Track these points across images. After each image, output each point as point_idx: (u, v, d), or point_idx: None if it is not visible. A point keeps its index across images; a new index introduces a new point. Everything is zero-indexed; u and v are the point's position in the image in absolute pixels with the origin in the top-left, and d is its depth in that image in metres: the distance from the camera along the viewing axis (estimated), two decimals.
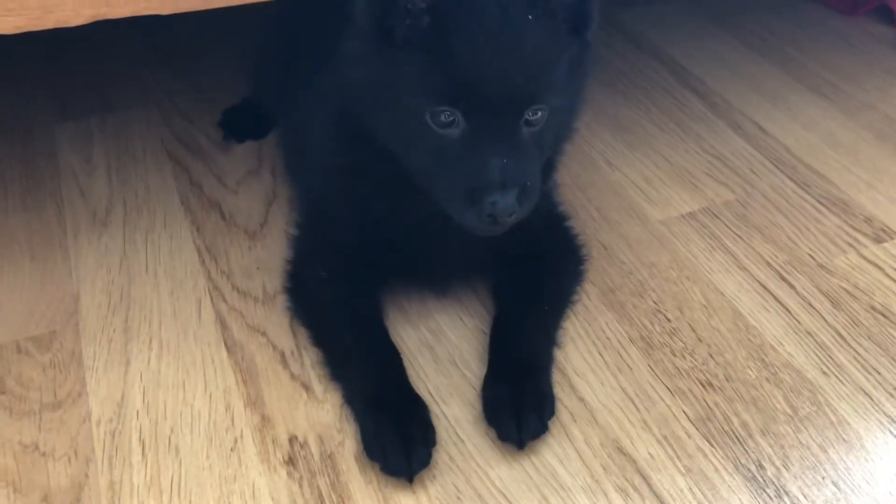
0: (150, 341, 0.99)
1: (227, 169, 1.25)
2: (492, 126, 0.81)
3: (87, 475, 0.85)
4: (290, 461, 0.86)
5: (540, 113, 0.83)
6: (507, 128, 0.82)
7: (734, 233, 1.14)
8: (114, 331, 1.00)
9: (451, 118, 0.81)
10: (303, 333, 0.99)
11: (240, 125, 1.31)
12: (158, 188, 1.21)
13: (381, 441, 0.85)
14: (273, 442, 0.88)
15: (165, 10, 0.92)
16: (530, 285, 1.00)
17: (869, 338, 0.99)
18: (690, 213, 1.18)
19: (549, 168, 0.95)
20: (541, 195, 0.97)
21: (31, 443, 0.88)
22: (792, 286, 1.06)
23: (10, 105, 1.37)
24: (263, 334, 1.00)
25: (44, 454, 0.87)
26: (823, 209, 1.18)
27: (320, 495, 0.83)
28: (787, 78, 1.47)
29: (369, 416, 0.88)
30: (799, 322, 1.01)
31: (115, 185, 1.22)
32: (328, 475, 0.85)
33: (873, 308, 1.03)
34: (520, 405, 0.87)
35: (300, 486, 0.84)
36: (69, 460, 0.86)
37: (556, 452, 0.87)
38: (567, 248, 1.06)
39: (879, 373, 0.95)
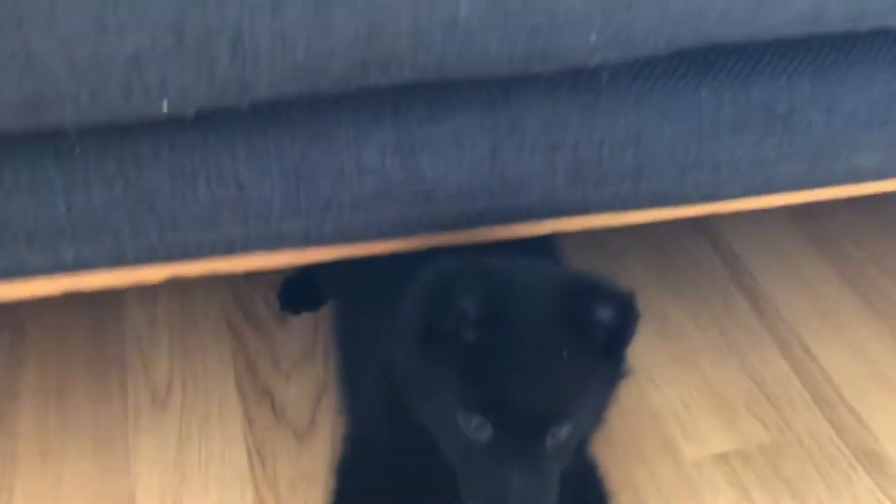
0: None
1: (282, 347, 1.31)
2: (517, 439, 0.87)
3: None
4: None
5: (565, 429, 0.88)
6: (531, 442, 0.88)
7: (764, 485, 1.17)
8: None
9: (481, 425, 0.87)
10: None
11: (297, 296, 1.36)
12: (216, 365, 1.28)
13: None
14: None
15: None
16: None
17: None
18: (723, 454, 1.20)
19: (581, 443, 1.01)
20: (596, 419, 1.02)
21: None
22: None
23: None
24: None
25: None
26: (857, 465, 1.20)
27: None
28: (840, 284, 1.47)
29: None
30: None
31: (175, 359, 1.28)
32: None
33: None
34: None
35: None
36: None
37: None
38: (594, 498, 1.10)
39: None
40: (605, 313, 0.88)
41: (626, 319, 0.88)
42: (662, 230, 1.50)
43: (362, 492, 1.06)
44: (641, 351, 1.32)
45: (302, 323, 1.35)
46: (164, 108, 0.80)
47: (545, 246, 1.13)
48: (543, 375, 0.86)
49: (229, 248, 0.96)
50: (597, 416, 0.96)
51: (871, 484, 1.18)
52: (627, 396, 1.25)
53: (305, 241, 0.98)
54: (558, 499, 1.03)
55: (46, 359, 1.27)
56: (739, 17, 0.90)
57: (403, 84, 0.88)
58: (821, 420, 1.26)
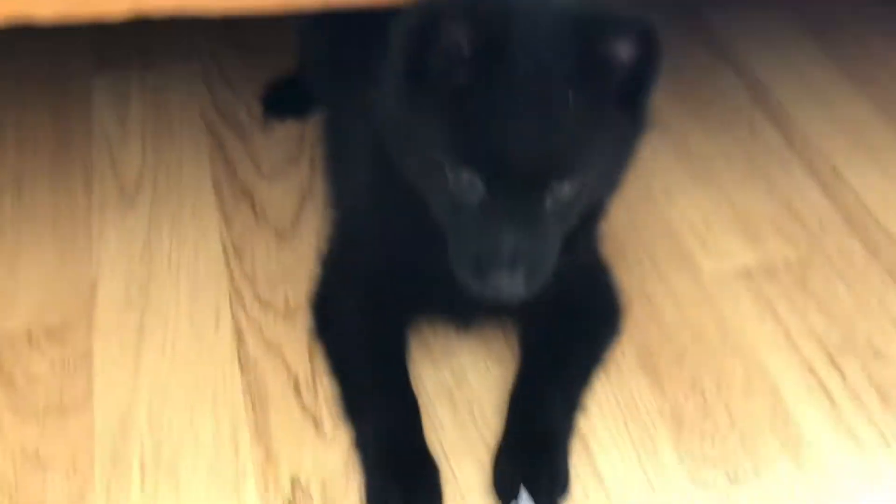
0: (163, 348, 0.96)
1: (264, 152, 1.19)
2: (513, 199, 0.76)
3: (83, 496, 0.83)
4: None
5: (568, 188, 0.77)
6: (528, 203, 0.76)
7: (789, 299, 1.06)
8: (128, 330, 0.97)
9: (472, 182, 0.76)
10: (320, 359, 0.95)
11: (281, 102, 1.24)
12: (192, 165, 1.16)
13: (385, 500, 0.82)
14: (275, 483, 0.85)
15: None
16: (559, 341, 0.95)
17: None
18: (746, 268, 1.10)
19: (591, 219, 0.90)
20: (583, 244, 0.91)
21: (32, 449, 0.86)
22: (842, 373, 0.99)
23: (48, 52, 1.31)
24: (279, 354, 0.96)
25: (43, 464, 0.85)
26: (890, 283, 1.09)
27: None
28: (874, 110, 1.35)
29: (377, 470, 0.85)
30: (840, 416, 0.95)
31: (147, 157, 1.17)
32: None
33: None
34: (530, 482, 0.83)
35: None
36: (67, 475, 0.84)
37: None
38: (604, 303, 1.00)
39: None
40: (621, 50, 0.74)
41: (646, 57, 0.75)
42: (682, 58, 1.38)
43: (346, 281, 0.96)
44: (658, 167, 1.23)
45: (287, 131, 1.23)
46: None
47: None
48: (544, 123, 0.74)
49: None
50: (610, 179, 0.84)
51: None
52: (641, 211, 1.16)
53: None
54: (567, 297, 0.94)
55: (3, 151, 1.16)
56: None
57: None
58: (852, 240, 1.15)
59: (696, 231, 1.14)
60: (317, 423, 0.90)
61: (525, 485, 0.82)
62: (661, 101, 0.85)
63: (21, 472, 0.84)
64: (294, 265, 1.05)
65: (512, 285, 0.77)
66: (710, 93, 1.37)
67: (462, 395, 0.95)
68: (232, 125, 1.23)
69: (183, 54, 1.33)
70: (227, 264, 1.05)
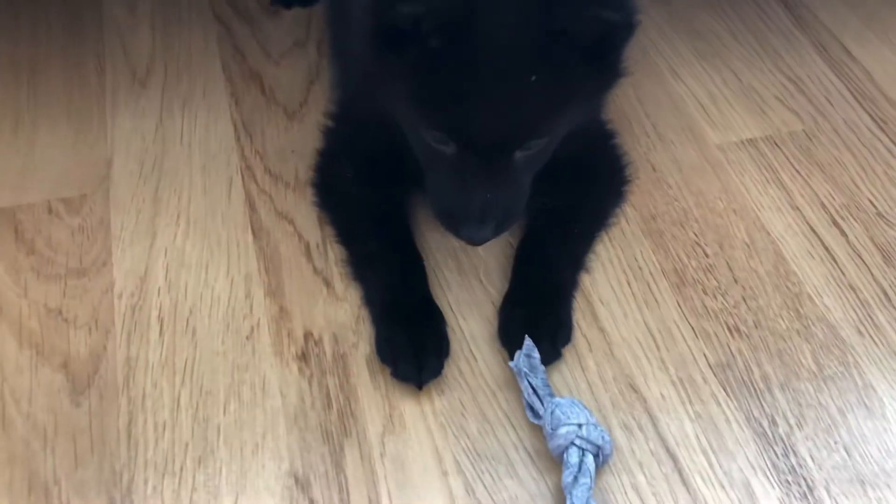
0: (178, 217, 0.98)
1: (272, 38, 1.20)
2: (482, 159, 0.79)
3: (105, 347, 0.87)
4: (303, 357, 0.87)
5: (537, 145, 0.80)
6: (497, 162, 0.79)
7: (794, 167, 1.07)
8: (143, 201, 1.00)
9: (444, 139, 0.79)
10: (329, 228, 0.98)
11: None
12: (201, 52, 1.18)
13: (393, 347, 0.85)
14: (288, 335, 0.89)
15: None
16: (564, 205, 0.96)
17: None
18: (751, 139, 1.10)
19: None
20: (588, 117, 0.92)
21: (55, 307, 0.90)
22: (844, 233, 1.00)
23: None
24: (291, 222, 0.99)
25: (66, 320, 0.89)
26: None
27: (328, 395, 0.84)
28: None
29: (385, 320, 0.87)
30: (843, 274, 0.96)
31: (157, 44, 1.18)
32: (338, 376, 0.86)
33: None
34: (534, 330, 0.85)
35: (309, 383, 0.85)
36: (90, 330, 0.88)
37: (566, 381, 0.86)
38: (610, 168, 1.01)
39: None
40: (596, 11, 0.74)
41: (618, 20, 0.75)
42: None
43: (345, 154, 0.97)
44: (664, 46, 1.23)
45: (294, 17, 1.24)
46: None
47: None
48: (511, 93, 0.75)
49: None
50: (589, 113, 0.88)
51: None
52: (647, 87, 1.17)
53: None
54: (574, 165, 0.96)
55: (16, 38, 1.18)
56: None
57: None
58: (860, 112, 1.15)
59: (702, 106, 1.15)
60: (328, 284, 0.93)
61: (529, 334, 0.85)
62: None
63: (46, 327, 0.88)
64: (303, 142, 1.07)
65: (481, 237, 0.82)
66: None
67: (468, 259, 0.97)
68: (240, 12, 1.24)
69: None
70: (238, 140, 1.07)
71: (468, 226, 0.81)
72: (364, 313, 0.90)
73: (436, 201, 0.85)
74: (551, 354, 0.86)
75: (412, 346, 0.84)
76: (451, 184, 0.81)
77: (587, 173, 0.99)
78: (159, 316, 0.89)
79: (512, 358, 0.85)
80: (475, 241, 0.84)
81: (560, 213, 0.96)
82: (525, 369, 0.82)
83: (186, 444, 0.80)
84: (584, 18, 0.74)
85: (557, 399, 0.79)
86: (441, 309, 0.90)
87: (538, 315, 0.87)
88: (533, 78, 0.75)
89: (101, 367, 0.85)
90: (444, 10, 0.73)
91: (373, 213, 0.94)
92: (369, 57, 0.80)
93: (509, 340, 0.87)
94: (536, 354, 0.83)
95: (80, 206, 0.99)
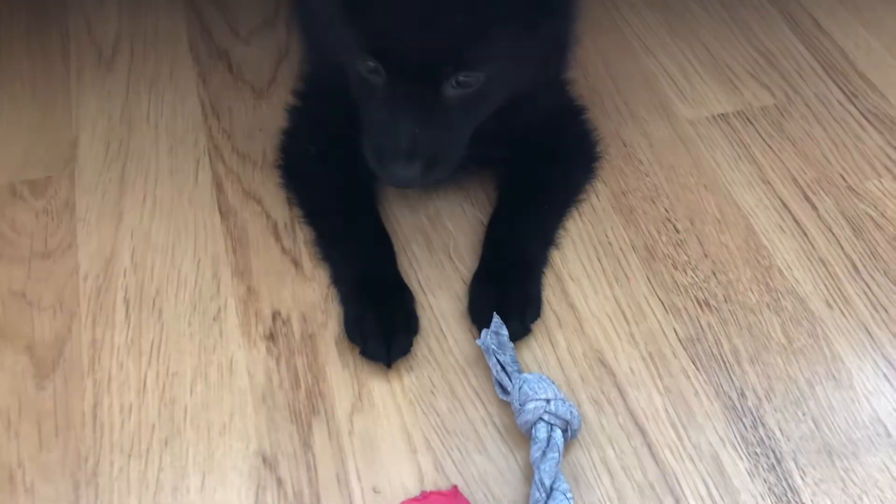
0: (145, 198, 0.97)
1: (241, 16, 1.19)
2: (410, 87, 0.77)
3: (70, 330, 0.86)
4: (271, 337, 0.86)
5: (467, 77, 0.77)
6: (426, 92, 0.77)
7: (765, 142, 1.07)
8: (109, 182, 0.99)
9: (376, 69, 0.77)
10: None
11: None
12: (168, 30, 1.16)
13: (362, 325, 0.84)
14: (256, 315, 0.88)
15: None
16: (534, 181, 0.96)
17: (885, 273, 0.94)
18: (723, 114, 1.10)
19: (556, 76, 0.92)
20: (553, 89, 0.91)
21: (19, 290, 0.89)
22: (814, 207, 1.00)
23: None
24: (259, 202, 0.98)
25: (30, 303, 0.88)
26: (868, 125, 1.09)
27: (296, 374, 0.84)
28: None
29: (353, 299, 0.87)
30: (814, 247, 0.96)
31: (123, 23, 1.17)
32: (306, 355, 0.85)
33: None
34: (503, 306, 0.85)
35: (277, 363, 0.84)
36: (54, 313, 0.87)
37: (536, 357, 0.86)
38: (579, 144, 1.01)
39: (887, 311, 0.91)
40: None
41: None
42: None
43: (312, 129, 0.96)
44: (634, 21, 1.22)
45: None
46: None
47: None
48: (430, 10, 0.73)
49: None
50: (533, 70, 0.84)
51: (881, 140, 1.08)
52: (617, 62, 1.16)
53: None
54: (543, 140, 0.95)
55: None
56: None
57: None
58: (831, 87, 1.15)
59: (673, 80, 1.14)
60: (296, 264, 0.92)
61: (498, 310, 0.85)
62: None
63: (9, 310, 0.87)
64: (271, 121, 1.05)
65: (407, 176, 0.80)
66: None
67: (438, 236, 0.96)
68: None
69: None
70: (206, 121, 1.06)
71: (395, 162, 0.79)
72: (332, 293, 0.90)
73: (367, 141, 0.82)
74: (520, 330, 0.85)
75: (381, 324, 0.84)
76: (381, 118, 0.80)
77: (557, 149, 0.98)
78: (125, 298, 0.88)
79: (481, 334, 0.84)
80: (402, 181, 0.82)
81: (530, 190, 0.95)
82: (493, 346, 0.81)
83: (153, 426, 0.80)
84: None
85: (525, 375, 0.79)
86: (410, 286, 0.89)
87: (508, 291, 0.87)
88: None
89: (65, 350, 0.84)
90: None
91: (339, 191, 0.93)
92: None
93: (479, 317, 0.86)
94: (505, 331, 0.83)
95: (45, 188, 0.97)
